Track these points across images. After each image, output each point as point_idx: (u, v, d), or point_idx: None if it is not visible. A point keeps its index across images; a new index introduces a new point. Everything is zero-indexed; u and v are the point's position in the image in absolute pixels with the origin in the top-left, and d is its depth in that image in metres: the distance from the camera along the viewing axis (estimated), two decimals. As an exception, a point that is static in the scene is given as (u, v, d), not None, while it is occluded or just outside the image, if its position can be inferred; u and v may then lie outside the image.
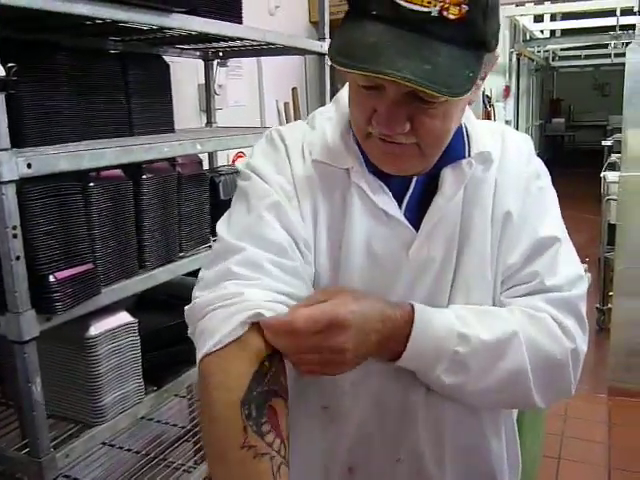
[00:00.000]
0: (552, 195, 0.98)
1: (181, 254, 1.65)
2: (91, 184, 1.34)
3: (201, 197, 1.72)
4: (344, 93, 0.96)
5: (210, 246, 1.78)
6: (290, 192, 0.90)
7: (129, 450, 1.88)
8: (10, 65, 1.17)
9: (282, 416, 0.66)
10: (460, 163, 0.91)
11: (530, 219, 0.93)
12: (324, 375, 0.83)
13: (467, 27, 0.74)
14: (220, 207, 1.85)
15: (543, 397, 0.89)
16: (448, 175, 0.91)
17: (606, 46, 8.95)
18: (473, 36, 0.75)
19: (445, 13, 0.72)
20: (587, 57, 10.44)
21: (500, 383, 0.87)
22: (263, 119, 3.23)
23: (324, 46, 2.26)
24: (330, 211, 0.91)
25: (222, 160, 2.64)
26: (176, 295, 1.84)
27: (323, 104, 2.37)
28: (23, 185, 1.18)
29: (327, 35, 2.29)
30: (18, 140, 1.28)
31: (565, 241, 0.95)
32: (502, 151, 0.95)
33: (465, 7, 0.73)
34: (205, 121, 2.51)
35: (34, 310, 1.19)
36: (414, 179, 0.91)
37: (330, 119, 0.96)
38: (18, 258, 1.15)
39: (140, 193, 1.49)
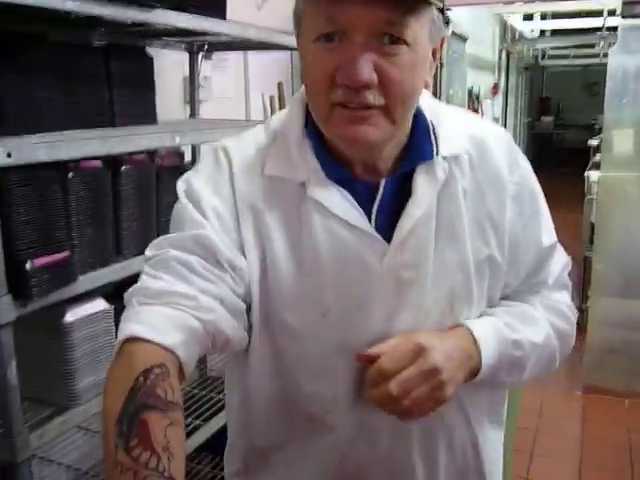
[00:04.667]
0: (541, 195, 1.01)
1: (159, 244, 1.69)
2: (70, 174, 1.38)
3: (180, 188, 1.75)
4: (299, 96, 0.94)
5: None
6: (225, 215, 0.88)
7: (105, 434, 1.91)
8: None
9: (156, 427, 0.67)
10: (432, 166, 0.89)
11: (529, 231, 0.97)
12: (435, 410, 0.87)
13: None
14: (199, 199, 1.89)
15: (559, 363, 1.03)
16: (420, 178, 0.89)
17: (594, 46, 9.01)
18: None
19: None
20: (576, 57, 10.49)
21: (542, 370, 1.00)
22: (249, 112, 3.26)
23: (307, 42, 2.29)
24: (286, 226, 0.89)
25: (206, 152, 2.65)
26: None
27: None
28: (3, 174, 1.21)
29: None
30: (-1, 129, 1.32)
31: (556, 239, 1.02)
32: (480, 154, 0.93)
33: None
34: (189, 113, 2.53)
35: (10, 295, 1.23)
36: (382, 183, 0.89)
37: (285, 127, 0.93)
38: (-4, 245, 1.19)
39: (118, 184, 1.53)
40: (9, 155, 1.19)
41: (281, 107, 3.46)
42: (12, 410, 1.26)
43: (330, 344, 0.89)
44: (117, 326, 1.50)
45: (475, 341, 0.90)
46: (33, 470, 1.36)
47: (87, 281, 1.43)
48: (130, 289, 0.84)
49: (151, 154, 1.65)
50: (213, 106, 2.77)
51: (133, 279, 1.59)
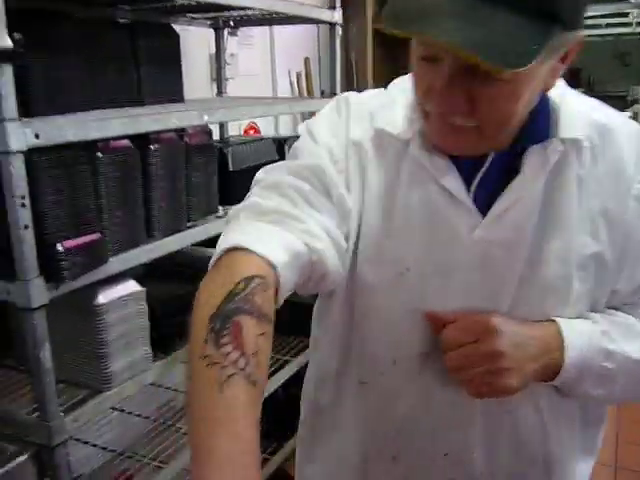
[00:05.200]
0: None
1: (189, 224, 1.67)
2: (99, 154, 1.35)
3: (209, 167, 1.73)
4: None
5: (219, 216, 1.80)
6: (339, 156, 0.88)
7: (139, 415, 1.92)
8: (17, 37, 1.18)
9: (249, 332, 0.65)
10: (546, 145, 0.82)
11: None
12: (495, 396, 0.84)
13: None
14: (229, 177, 1.87)
15: None
16: (531, 157, 0.82)
17: (627, 15, 8.77)
18: (540, 4, 0.67)
19: None
20: (608, 26, 10.23)
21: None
22: (275, 89, 3.22)
23: (335, 16, 2.24)
24: (384, 180, 0.87)
25: (233, 131, 2.64)
26: (185, 265, 1.87)
27: (334, 77, 2.37)
28: (31, 155, 1.19)
29: (338, 4, 2.27)
30: (26, 110, 1.29)
31: None
32: (604, 144, 0.86)
33: None
34: (216, 91, 2.51)
35: (42, 278, 1.21)
36: (490, 156, 0.84)
37: (404, 90, 0.89)
38: (26, 227, 1.17)
39: (148, 163, 1.50)
40: (37, 136, 1.17)
41: (308, 83, 3.41)
42: (47, 393, 1.25)
43: (401, 306, 0.87)
44: (150, 308, 1.51)
45: (562, 339, 0.84)
46: (68, 452, 1.36)
47: (118, 263, 1.41)
48: (235, 207, 0.84)
49: (179, 133, 1.62)
50: (240, 84, 2.74)
51: (164, 259, 1.61)
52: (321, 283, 0.85)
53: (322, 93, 3.50)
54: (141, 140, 1.49)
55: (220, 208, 1.82)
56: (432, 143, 0.84)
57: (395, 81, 0.96)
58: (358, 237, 0.88)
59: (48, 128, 1.21)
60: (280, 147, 2.11)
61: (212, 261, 0.75)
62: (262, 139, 2.12)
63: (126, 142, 1.43)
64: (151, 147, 1.51)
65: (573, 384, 0.86)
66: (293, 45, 3.32)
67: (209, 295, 0.69)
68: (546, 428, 0.90)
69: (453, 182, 0.84)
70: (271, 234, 0.76)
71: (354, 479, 0.97)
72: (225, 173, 1.85)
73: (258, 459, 0.60)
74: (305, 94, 3.40)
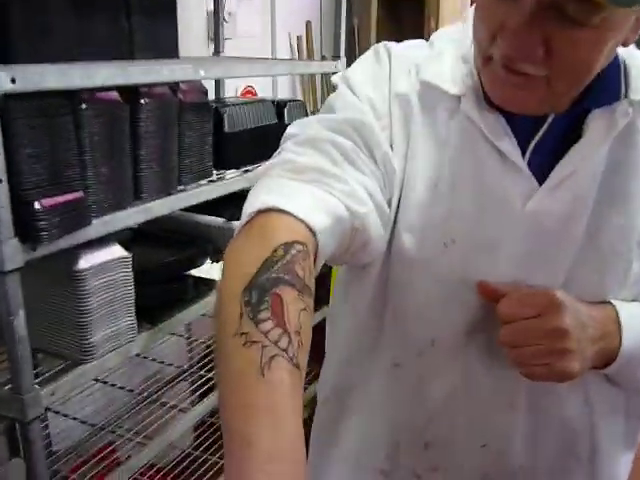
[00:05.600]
0: None
1: (180, 187, 1.56)
2: (83, 105, 1.24)
3: (204, 128, 1.61)
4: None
5: (212, 180, 1.69)
6: (381, 111, 0.79)
7: (122, 388, 1.83)
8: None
9: (291, 307, 0.56)
10: (613, 108, 0.74)
11: None
12: (552, 380, 0.75)
13: None
14: (224, 139, 1.75)
15: None
16: (596, 120, 0.74)
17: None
18: None
19: None
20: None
21: None
22: (274, 52, 3.09)
23: (341, -26, 2.12)
24: (431, 139, 0.79)
25: (230, 93, 2.53)
26: (173, 230, 1.77)
27: (339, 40, 2.25)
28: (7, 102, 1.08)
29: (345, -38, 2.14)
30: (4, 55, 1.19)
31: None
32: None
33: None
34: (213, 50, 2.39)
35: (17, 239, 1.11)
36: (549, 118, 0.75)
37: (453, 40, 0.82)
38: (0, 182, 1.06)
39: (137, 119, 1.39)
40: (13, 81, 1.06)
41: (309, 48, 3.29)
42: (21, 364, 1.15)
43: (444, 281, 0.79)
44: (135, 275, 1.41)
45: (618, 323, 0.76)
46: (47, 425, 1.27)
47: (102, 225, 1.31)
48: (266, 163, 0.74)
49: (173, 89, 1.51)
50: (237, 44, 2.62)
51: (152, 223, 1.51)
52: (359, 254, 0.76)
53: (323, 58, 3.37)
54: (131, 94, 1.38)
55: (214, 172, 1.71)
56: (490, 95, 0.74)
57: (437, 33, 0.86)
58: (399, 202, 0.79)
59: (26, 73, 1.10)
60: (279, 110, 1.99)
61: (241, 224, 0.65)
62: (261, 101, 2.01)
63: (114, 94, 1.32)
64: (141, 101, 1.39)
65: (626, 372, 0.78)
66: (295, 7, 3.20)
67: (241, 263, 0.60)
68: (594, 420, 0.83)
69: (509, 145, 0.75)
70: (310, 195, 0.67)
71: (381, 465, 0.89)
72: (220, 135, 1.74)
73: (304, 453, 0.52)
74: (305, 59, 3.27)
